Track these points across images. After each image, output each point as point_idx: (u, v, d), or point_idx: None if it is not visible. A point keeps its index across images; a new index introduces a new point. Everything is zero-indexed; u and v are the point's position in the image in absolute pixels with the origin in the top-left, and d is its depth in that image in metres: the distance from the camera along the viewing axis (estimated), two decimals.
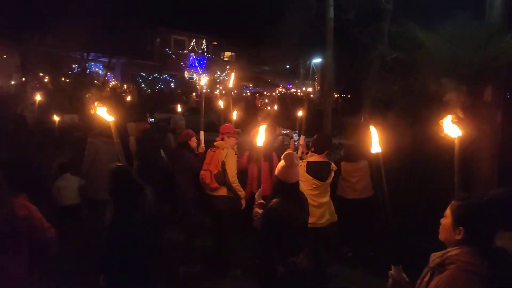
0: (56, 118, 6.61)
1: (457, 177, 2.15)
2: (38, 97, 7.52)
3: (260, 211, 3.13)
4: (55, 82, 15.57)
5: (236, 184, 4.56)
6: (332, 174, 4.15)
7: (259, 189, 3.57)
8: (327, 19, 9.41)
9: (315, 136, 4.28)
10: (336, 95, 14.02)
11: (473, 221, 1.70)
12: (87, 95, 10.08)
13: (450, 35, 5.05)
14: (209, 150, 4.80)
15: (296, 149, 4.80)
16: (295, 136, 5.16)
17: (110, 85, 16.77)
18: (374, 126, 2.11)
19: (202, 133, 5.19)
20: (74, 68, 20.38)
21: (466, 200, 1.76)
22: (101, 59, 20.77)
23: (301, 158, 4.21)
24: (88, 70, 20.41)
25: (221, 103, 6.25)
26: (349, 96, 16.58)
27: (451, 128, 2.20)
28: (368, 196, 5.15)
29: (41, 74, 15.70)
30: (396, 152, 5.02)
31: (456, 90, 3.61)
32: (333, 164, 4.22)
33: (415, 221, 4.98)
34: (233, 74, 6.20)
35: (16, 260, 2.12)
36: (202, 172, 4.68)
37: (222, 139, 4.74)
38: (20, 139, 5.65)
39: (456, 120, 2.21)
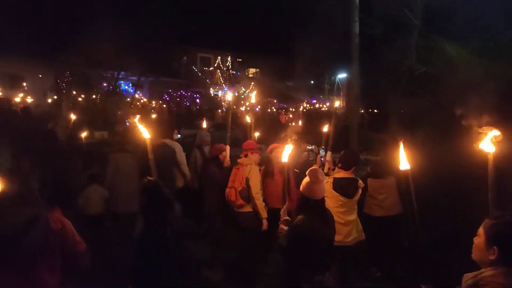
0: (83, 134, 6.92)
1: (491, 194, 2.07)
2: (72, 115, 7.85)
3: (285, 228, 3.10)
4: (87, 100, 16.24)
5: (259, 201, 4.54)
6: (360, 191, 4.06)
7: (285, 206, 3.55)
8: (353, 35, 9.38)
9: (342, 152, 4.23)
10: (362, 111, 13.84)
11: (508, 240, 1.63)
12: (117, 113, 10.43)
13: (481, 49, 4.93)
14: (234, 167, 4.83)
15: (322, 165, 4.75)
16: (322, 152, 5.11)
17: (140, 103, 17.33)
18: (402, 142, 2.07)
19: (228, 148, 5.24)
20: (105, 87, 21.25)
21: (500, 218, 1.69)
22: (131, 78, 21.53)
23: (327, 174, 4.16)
24: (118, 88, 21.17)
25: (248, 119, 6.31)
26: (375, 111, 16.32)
27: (486, 143, 2.13)
28: (396, 213, 5.00)
29: (74, 92, 16.43)
30: (425, 169, 4.87)
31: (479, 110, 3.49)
32: (360, 181, 4.14)
33: (446, 240, 4.78)
34: (254, 92, 6.31)
35: (50, 273, 2.15)
36: (227, 189, 4.71)
37: (246, 156, 4.77)
38: (51, 154, 5.88)
39: (491, 136, 2.14)
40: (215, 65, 31.30)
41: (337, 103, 5.78)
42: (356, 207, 4.12)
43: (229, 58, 31.98)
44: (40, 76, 19.42)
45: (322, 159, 4.88)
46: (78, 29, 17.81)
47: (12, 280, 2.00)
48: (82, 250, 2.40)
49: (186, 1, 24.92)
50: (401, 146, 2.04)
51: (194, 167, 5.91)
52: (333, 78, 31.99)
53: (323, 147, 5.13)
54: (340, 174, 4.08)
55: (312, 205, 2.89)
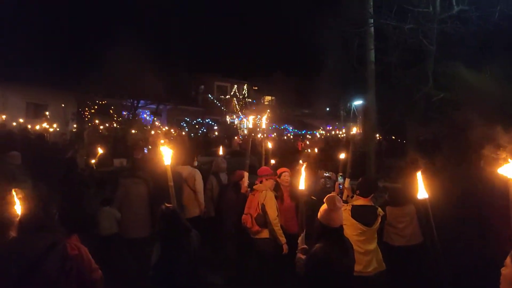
0: (93, 161, 7.21)
1: None
2: (92, 142, 8.10)
3: (303, 256, 3.04)
4: (107, 128, 16.67)
5: (277, 227, 4.51)
6: (379, 219, 3.97)
7: (302, 234, 3.49)
8: (368, 62, 9.47)
9: (361, 179, 4.18)
10: (379, 137, 13.71)
11: None
12: (137, 140, 10.64)
13: (499, 74, 4.88)
14: (250, 194, 4.83)
15: (341, 192, 4.69)
16: (340, 179, 5.06)
17: (160, 131, 17.65)
18: (420, 170, 2.05)
19: (246, 174, 5.25)
20: (125, 115, 21.82)
21: None
22: (149, 106, 22.08)
23: (346, 202, 4.09)
24: (137, 116, 21.68)
25: (269, 145, 6.37)
26: (393, 137, 16.12)
27: (506, 168, 2.08)
28: (417, 243, 4.83)
29: (97, 121, 16.95)
30: (445, 196, 4.74)
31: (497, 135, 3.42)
32: (379, 209, 4.05)
33: (470, 271, 4.56)
34: (264, 117, 6.40)
35: None
36: (243, 216, 4.70)
37: (261, 182, 4.77)
38: (70, 182, 6.03)
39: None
40: (232, 93, 31.86)
41: (354, 130, 5.74)
42: (376, 236, 4.01)
43: (245, 86, 32.54)
44: (63, 105, 20.12)
45: (341, 186, 4.82)
46: (99, 59, 18.62)
47: None
48: (98, 278, 2.40)
49: (204, 32, 25.80)
50: (419, 175, 2.01)
51: (211, 194, 5.92)
52: (349, 104, 31.98)
53: (341, 174, 5.08)
54: (359, 201, 4.01)
55: (330, 233, 2.84)
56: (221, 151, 7.01)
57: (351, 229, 3.76)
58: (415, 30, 8.37)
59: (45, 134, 10.96)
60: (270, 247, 4.58)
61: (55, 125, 15.78)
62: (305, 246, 3.30)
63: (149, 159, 7.53)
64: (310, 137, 23.24)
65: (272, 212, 4.51)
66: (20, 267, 2.03)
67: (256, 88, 33.52)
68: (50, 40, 19.07)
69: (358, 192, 4.07)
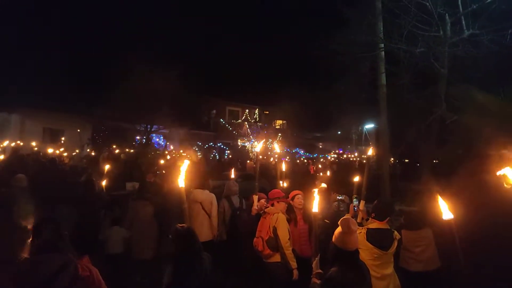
0: (103, 183, 7.34)
1: None
2: (107, 167, 8.22)
3: (318, 281, 2.96)
4: (121, 152, 16.89)
5: (289, 251, 4.43)
6: (396, 243, 3.85)
7: (317, 258, 3.41)
8: (380, 86, 9.49)
9: (376, 202, 4.09)
10: (392, 160, 13.54)
11: None
12: (149, 164, 10.74)
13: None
14: (261, 217, 4.77)
15: (355, 214, 4.60)
16: (355, 201, 4.98)
17: (176, 154, 17.79)
18: (438, 192, 2.00)
19: (256, 197, 5.21)
20: (138, 140, 22.16)
21: None
22: (162, 130, 22.39)
23: (361, 224, 4.00)
24: (150, 141, 21.98)
25: (283, 167, 6.37)
26: (406, 160, 15.89)
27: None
28: (435, 268, 4.67)
29: (113, 146, 17.22)
30: (465, 220, 4.59)
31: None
32: (396, 232, 3.94)
33: None
34: (275, 142, 6.44)
35: None
36: (255, 239, 4.63)
37: (272, 205, 4.72)
38: (86, 204, 6.10)
39: None
40: (243, 117, 32.17)
41: (370, 151, 5.63)
42: (392, 260, 3.88)
43: (256, 111, 32.84)
44: (78, 130, 20.59)
45: (355, 208, 4.73)
46: (113, 85, 19.15)
47: None
48: None
49: (216, 57, 26.38)
50: (439, 196, 1.96)
51: (223, 217, 5.88)
52: (360, 128, 31.91)
53: (355, 196, 5.00)
54: (374, 224, 3.92)
55: (345, 257, 2.77)
56: (232, 174, 7.00)
57: (366, 253, 3.66)
58: (426, 53, 8.39)
59: (57, 159, 11.14)
60: (282, 271, 4.48)
61: (76, 151, 16.13)
62: (320, 270, 3.21)
63: (160, 183, 7.61)
64: (323, 160, 23.10)
65: (284, 235, 4.45)
66: (33, 286, 2.06)
67: (267, 112, 33.79)
68: (66, 68, 19.79)
69: (373, 215, 3.98)
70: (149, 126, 21.13)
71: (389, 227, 3.96)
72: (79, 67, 19.11)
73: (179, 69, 18.32)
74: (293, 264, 4.42)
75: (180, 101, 19.93)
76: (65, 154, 14.36)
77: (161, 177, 9.06)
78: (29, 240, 2.26)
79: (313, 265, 3.77)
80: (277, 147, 7.64)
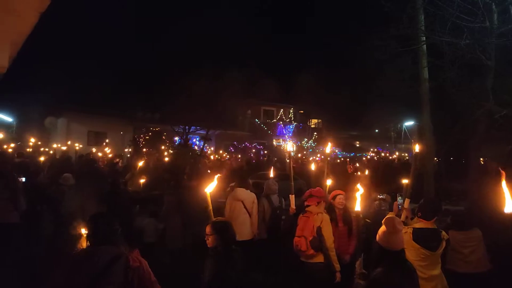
0: (142, 180, 8.09)
1: None
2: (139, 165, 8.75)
3: (362, 282, 2.90)
4: (161, 153, 17.46)
5: (333, 252, 4.37)
6: (444, 243, 3.68)
7: (360, 258, 3.34)
8: (422, 80, 9.12)
9: (423, 200, 3.93)
10: (436, 159, 12.95)
11: None
12: (188, 165, 11.00)
13: None
14: (302, 215, 4.71)
15: (399, 213, 4.43)
16: (399, 200, 4.80)
17: (219, 158, 18.18)
18: (505, 181, 1.85)
19: (292, 197, 5.16)
20: (176, 141, 22.79)
21: None
22: (199, 131, 22.85)
23: (405, 223, 3.86)
24: (188, 141, 22.52)
25: (312, 166, 6.30)
26: (451, 158, 15.14)
27: None
28: (484, 270, 4.42)
29: (152, 147, 17.86)
30: None
31: None
32: (444, 232, 3.77)
33: None
34: (329, 143, 6.33)
35: None
36: (296, 238, 4.55)
37: (316, 204, 4.64)
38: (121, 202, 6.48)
39: None
40: (278, 117, 32.14)
41: (416, 148, 5.35)
42: (439, 260, 3.71)
43: (291, 110, 32.70)
44: (121, 133, 21.51)
45: (400, 206, 4.55)
46: (153, 89, 19.82)
47: None
48: None
49: (251, 58, 26.54)
50: (504, 185, 1.83)
51: (262, 216, 5.90)
52: (399, 125, 30.91)
53: (399, 194, 4.84)
54: (420, 224, 3.76)
55: (391, 257, 2.68)
56: (272, 174, 7.01)
57: (412, 253, 3.52)
58: (472, 45, 7.94)
59: (96, 159, 12.00)
60: (324, 272, 4.41)
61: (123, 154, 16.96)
62: (364, 271, 3.14)
63: (193, 181, 7.86)
64: (365, 159, 22.57)
65: (329, 236, 4.40)
66: (89, 275, 2.24)
67: (302, 111, 33.54)
68: (109, 74, 20.76)
69: (419, 214, 3.82)
70: (187, 128, 21.67)
71: (436, 227, 3.79)
72: (121, 73, 19.99)
73: (214, 70, 18.61)
74: (337, 266, 4.35)
75: (217, 102, 20.28)
76: (110, 155, 15.07)
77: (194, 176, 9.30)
78: (85, 233, 2.45)
79: (356, 265, 3.70)
80: (328, 148, 7.57)
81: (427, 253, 3.57)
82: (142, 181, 8.08)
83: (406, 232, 3.55)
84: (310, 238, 4.37)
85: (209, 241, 2.98)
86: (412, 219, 4.05)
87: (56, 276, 2.33)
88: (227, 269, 2.84)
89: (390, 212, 4.05)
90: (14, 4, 2.54)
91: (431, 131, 9.29)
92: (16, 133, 22.07)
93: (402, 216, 4.06)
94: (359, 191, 3.98)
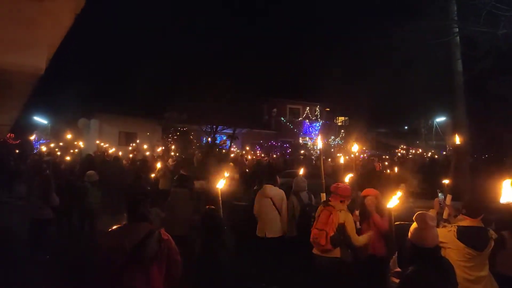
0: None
1: None
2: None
3: (397, 280, 2.82)
4: (189, 152, 17.76)
5: (360, 243, 4.44)
6: (492, 243, 3.45)
7: (394, 256, 3.25)
8: (456, 73, 8.79)
9: (468, 197, 3.73)
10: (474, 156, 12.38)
11: None
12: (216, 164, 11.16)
13: None
14: (323, 208, 4.60)
15: (441, 210, 4.25)
16: (440, 196, 4.59)
17: (253, 157, 18.35)
18: None
19: (323, 195, 5.10)
20: (203, 140, 23.10)
21: None
22: (226, 131, 23.06)
23: (447, 221, 3.70)
24: (215, 141, 22.79)
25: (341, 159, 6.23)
26: (490, 154, 14.36)
27: None
28: None
29: (180, 147, 18.20)
30: None
31: None
32: (491, 231, 3.53)
33: None
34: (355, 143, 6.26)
35: (158, 271, 2.87)
36: (316, 231, 4.45)
37: (341, 201, 4.55)
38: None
39: None
40: (304, 115, 31.91)
41: (457, 140, 5.12)
42: (487, 261, 3.49)
43: (317, 108, 32.37)
44: (148, 134, 22.07)
45: (441, 203, 4.34)
46: (181, 90, 20.18)
47: (135, 277, 2.76)
48: (179, 259, 3.04)
49: (276, 56, 26.53)
50: None
51: (292, 213, 5.87)
52: (430, 121, 29.97)
53: (440, 190, 4.64)
54: (466, 222, 3.53)
55: (424, 255, 2.58)
56: (301, 171, 6.98)
57: (456, 253, 3.34)
58: (509, 35, 7.55)
59: (119, 157, 12.85)
60: (338, 267, 4.37)
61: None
62: (398, 269, 3.05)
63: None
64: (398, 156, 21.99)
65: (354, 233, 4.40)
66: (130, 246, 2.78)
67: (328, 109, 33.12)
68: (138, 77, 21.36)
69: (464, 211, 3.61)
70: (214, 127, 21.91)
71: (483, 225, 3.56)
72: (149, 75, 20.52)
73: (240, 69, 18.72)
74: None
75: (243, 101, 20.41)
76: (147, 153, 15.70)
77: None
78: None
79: (391, 264, 3.59)
80: (355, 147, 7.48)
81: (473, 253, 3.36)
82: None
83: (450, 230, 3.40)
84: (332, 234, 4.32)
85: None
86: (455, 216, 3.85)
87: (102, 250, 2.91)
88: (214, 247, 3.54)
89: (431, 210, 3.86)
90: (51, 6, 2.63)
91: (466, 126, 8.93)
92: (51, 134, 23.15)
93: (444, 214, 3.87)
94: (397, 194, 3.86)
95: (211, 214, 3.85)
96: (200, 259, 3.67)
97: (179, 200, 6.32)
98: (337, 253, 4.38)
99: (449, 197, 3.98)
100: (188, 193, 6.46)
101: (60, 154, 13.46)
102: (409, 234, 2.71)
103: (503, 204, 3.46)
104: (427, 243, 2.57)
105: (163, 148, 17.82)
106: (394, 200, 3.79)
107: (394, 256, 3.54)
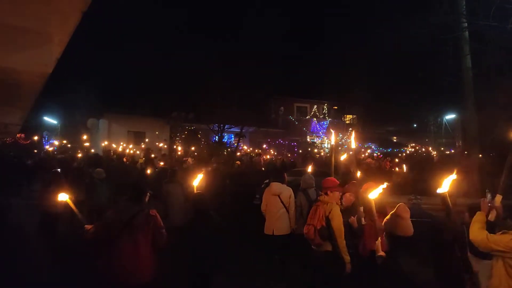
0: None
1: None
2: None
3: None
4: (196, 151, 17.82)
5: (343, 245, 4.28)
6: None
7: (377, 242, 3.21)
8: (465, 69, 8.65)
9: None
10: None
11: None
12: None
13: None
14: (314, 204, 4.67)
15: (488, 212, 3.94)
16: (489, 196, 4.27)
17: (258, 154, 18.37)
18: None
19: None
20: (211, 138, 23.17)
21: None
22: (233, 129, 23.08)
23: (496, 224, 3.40)
24: (222, 139, 22.83)
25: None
26: (492, 154, 13.95)
27: None
28: None
29: (188, 145, 18.26)
30: None
31: None
32: None
33: None
34: (353, 136, 6.18)
35: (145, 241, 3.73)
36: (306, 226, 4.53)
37: (326, 194, 4.54)
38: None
39: None
40: (311, 113, 31.79)
41: None
42: None
43: (325, 106, 32.22)
44: (157, 133, 22.22)
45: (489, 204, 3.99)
46: (189, 90, 20.25)
47: (126, 240, 3.64)
48: (164, 233, 3.88)
49: (283, 54, 26.42)
50: None
51: (300, 210, 5.85)
52: (439, 119, 29.62)
53: (488, 190, 4.44)
54: None
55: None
56: (310, 168, 6.95)
57: None
58: None
59: (124, 155, 13.20)
60: (331, 260, 4.33)
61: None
62: (382, 253, 3.25)
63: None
64: (407, 153, 21.71)
65: (339, 227, 4.30)
66: (123, 220, 3.69)
67: (336, 107, 32.95)
68: (148, 78, 21.54)
69: None
70: (221, 126, 21.96)
71: None
72: (157, 76, 20.64)
73: (248, 68, 18.67)
74: (346, 257, 4.25)
75: (250, 100, 20.39)
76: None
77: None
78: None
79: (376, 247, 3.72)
80: (353, 143, 7.40)
81: None
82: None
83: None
84: (319, 227, 4.30)
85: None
86: (505, 218, 3.51)
87: (105, 221, 3.77)
88: (199, 223, 4.28)
89: (479, 212, 3.55)
90: (58, 3, 2.65)
91: (475, 122, 8.79)
92: (60, 134, 23.44)
93: (490, 215, 3.48)
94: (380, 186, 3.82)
95: (199, 197, 4.50)
96: (185, 235, 4.39)
97: (171, 194, 6.69)
98: (328, 246, 4.37)
99: (499, 197, 3.57)
100: (179, 187, 6.84)
101: (71, 153, 13.70)
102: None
103: None
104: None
105: (168, 147, 17.92)
106: (376, 192, 3.79)
107: (377, 242, 3.51)
